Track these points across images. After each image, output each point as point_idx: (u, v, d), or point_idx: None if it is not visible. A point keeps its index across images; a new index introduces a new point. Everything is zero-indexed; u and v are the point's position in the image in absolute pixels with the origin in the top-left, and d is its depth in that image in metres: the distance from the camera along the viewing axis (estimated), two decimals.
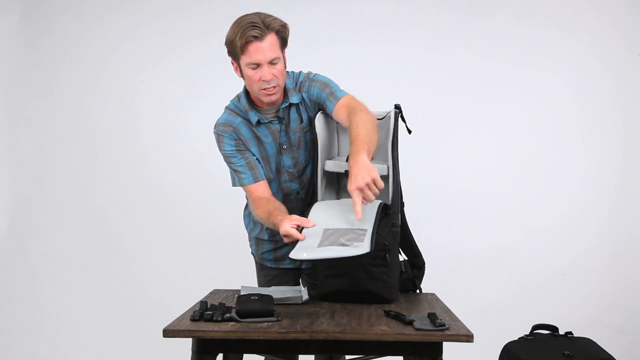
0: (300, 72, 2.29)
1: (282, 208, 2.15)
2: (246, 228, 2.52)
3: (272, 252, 2.42)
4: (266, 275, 2.47)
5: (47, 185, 3.66)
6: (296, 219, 1.99)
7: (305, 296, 2.09)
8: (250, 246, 2.52)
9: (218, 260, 3.55)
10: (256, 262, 2.54)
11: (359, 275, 2.03)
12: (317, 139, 2.20)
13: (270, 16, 2.09)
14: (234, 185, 2.31)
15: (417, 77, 3.57)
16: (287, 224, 1.96)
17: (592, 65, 3.61)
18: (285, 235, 1.96)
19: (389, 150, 2.16)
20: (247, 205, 2.47)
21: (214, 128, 2.27)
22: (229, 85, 3.57)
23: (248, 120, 2.24)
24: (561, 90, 3.62)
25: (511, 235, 3.57)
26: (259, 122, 2.21)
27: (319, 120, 2.22)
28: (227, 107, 2.31)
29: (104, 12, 3.66)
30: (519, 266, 3.56)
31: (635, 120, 3.61)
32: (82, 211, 3.64)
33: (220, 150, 2.27)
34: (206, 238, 3.61)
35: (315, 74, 2.28)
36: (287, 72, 2.24)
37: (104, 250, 3.63)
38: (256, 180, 2.24)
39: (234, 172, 2.27)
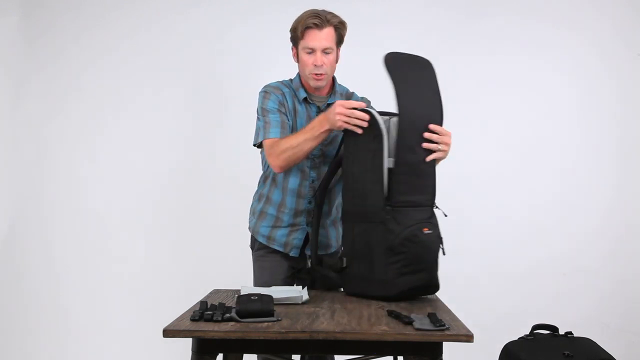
0: (353, 92, 2.56)
1: None
2: (252, 204, 2.63)
3: (269, 228, 2.53)
4: (262, 267, 2.55)
5: (47, 185, 3.66)
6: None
7: (306, 296, 2.09)
8: (250, 221, 2.61)
9: (218, 260, 3.55)
10: (253, 254, 2.61)
11: (434, 269, 2.13)
12: (382, 135, 2.13)
13: (331, 13, 2.37)
14: (257, 140, 2.43)
15: None
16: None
17: (591, 64, 3.61)
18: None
19: None
20: (259, 181, 2.61)
21: (263, 88, 2.46)
22: (230, 86, 3.61)
23: (293, 95, 2.46)
24: (560, 89, 3.62)
25: (511, 234, 3.57)
26: (305, 100, 2.45)
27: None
28: (279, 80, 2.52)
29: (104, 12, 3.66)
30: (519, 266, 3.56)
31: (634, 120, 3.61)
32: (82, 211, 3.64)
33: (263, 105, 2.43)
34: (206, 238, 3.61)
35: None
36: (340, 84, 2.52)
37: (104, 250, 3.63)
38: (281, 137, 2.38)
39: (265, 125, 2.39)
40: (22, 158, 3.67)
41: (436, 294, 2.30)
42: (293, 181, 2.46)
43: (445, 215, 2.21)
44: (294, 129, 2.44)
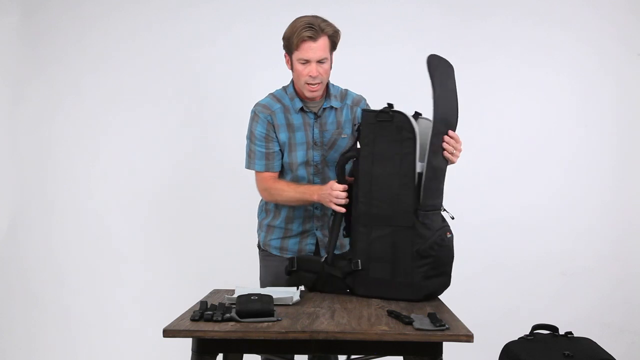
0: (347, 89, 2.53)
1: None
2: (258, 217, 2.63)
3: (279, 240, 2.54)
4: (267, 266, 2.56)
5: (47, 185, 3.66)
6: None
7: (297, 297, 2.08)
8: (259, 235, 2.62)
9: (218, 260, 3.55)
10: (260, 252, 2.62)
11: (451, 270, 2.20)
12: (416, 138, 2.15)
13: (325, 21, 2.34)
14: (247, 167, 2.51)
15: (417, 78, 3.56)
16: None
17: (591, 64, 3.60)
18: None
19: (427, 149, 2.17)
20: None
21: (254, 107, 2.47)
22: (229, 86, 3.61)
23: (286, 109, 2.44)
24: (560, 89, 3.62)
25: (511, 234, 3.57)
26: (301, 109, 2.43)
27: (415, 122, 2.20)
28: (271, 93, 2.51)
29: (104, 12, 3.65)
30: (518, 266, 3.56)
31: (633, 120, 3.61)
32: (81, 211, 3.64)
33: (251, 128, 2.46)
34: (206, 238, 3.61)
35: None
36: (332, 84, 2.49)
37: (104, 250, 3.63)
38: (267, 170, 2.45)
39: (251, 154, 2.47)
40: (22, 158, 3.67)
41: None
42: None
43: (452, 218, 2.26)
44: (291, 142, 2.44)
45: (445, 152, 2.18)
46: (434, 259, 2.11)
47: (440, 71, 2.20)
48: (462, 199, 3.59)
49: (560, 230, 3.58)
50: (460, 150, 2.23)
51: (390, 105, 2.20)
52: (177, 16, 3.63)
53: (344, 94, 2.52)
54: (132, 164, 3.64)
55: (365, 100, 2.57)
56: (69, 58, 3.66)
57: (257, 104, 2.47)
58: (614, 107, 3.61)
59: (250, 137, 2.47)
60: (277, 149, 2.46)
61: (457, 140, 2.21)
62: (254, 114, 2.46)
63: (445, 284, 2.19)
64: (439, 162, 2.16)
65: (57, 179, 3.66)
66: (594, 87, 3.61)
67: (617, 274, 3.57)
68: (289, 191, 2.41)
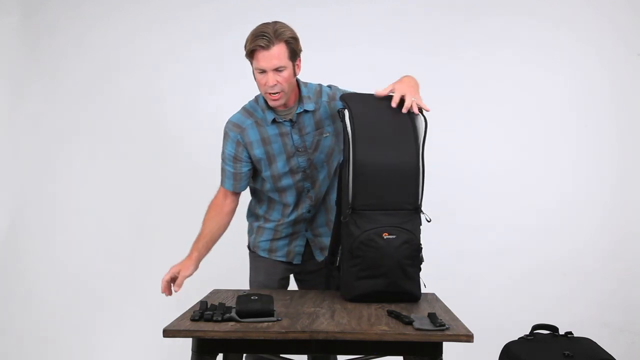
0: (320, 84, 2.43)
1: (211, 239, 2.44)
2: (247, 219, 2.64)
3: (268, 242, 2.53)
4: (257, 267, 2.57)
5: (48, 185, 3.66)
6: (178, 271, 2.32)
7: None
8: (250, 236, 2.62)
9: (218, 260, 3.54)
10: (250, 254, 2.62)
11: (397, 276, 2.06)
12: (349, 134, 2.13)
13: (284, 27, 2.23)
14: (220, 184, 2.50)
15: (417, 78, 3.56)
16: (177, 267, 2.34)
17: (591, 65, 3.60)
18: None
19: (420, 148, 2.17)
20: (250, 201, 2.61)
21: (225, 124, 2.42)
22: (230, 87, 3.60)
23: (258, 122, 2.37)
24: (560, 89, 3.62)
25: (511, 234, 3.57)
26: (274, 121, 2.34)
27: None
28: (243, 107, 2.44)
29: (104, 12, 3.66)
30: (519, 266, 3.56)
31: (633, 120, 3.61)
32: (81, 211, 3.64)
33: (223, 147, 2.43)
34: None
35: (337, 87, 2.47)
36: (306, 83, 2.40)
37: (104, 249, 3.63)
38: (233, 190, 2.46)
39: (222, 172, 2.47)
40: (23, 158, 3.67)
41: (436, 293, 2.30)
42: (291, 199, 2.45)
43: (428, 221, 2.15)
44: (269, 155, 2.38)
45: (408, 107, 2.19)
46: (362, 259, 2.05)
47: (355, 102, 2.22)
48: (462, 200, 3.61)
49: (560, 231, 3.58)
50: (406, 92, 2.25)
51: (343, 107, 2.20)
52: (177, 16, 3.64)
53: (319, 92, 2.40)
54: (133, 163, 3.64)
55: (339, 90, 2.45)
56: (69, 58, 3.66)
57: (228, 121, 2.41)
58: (614, 107, 3.61)
59: (222, 155, 2.44)
60: (245, 169, 2.41)
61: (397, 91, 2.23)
62: (225, 133, 2.40)
63: (386, 287, 2.07)
64: (377, 160, 2.07)
65: (57, 179, 3.66)
66: (594, 87, 3.61)
67: (617, 274, 3.57)
68: (200, 228, 2.45)
